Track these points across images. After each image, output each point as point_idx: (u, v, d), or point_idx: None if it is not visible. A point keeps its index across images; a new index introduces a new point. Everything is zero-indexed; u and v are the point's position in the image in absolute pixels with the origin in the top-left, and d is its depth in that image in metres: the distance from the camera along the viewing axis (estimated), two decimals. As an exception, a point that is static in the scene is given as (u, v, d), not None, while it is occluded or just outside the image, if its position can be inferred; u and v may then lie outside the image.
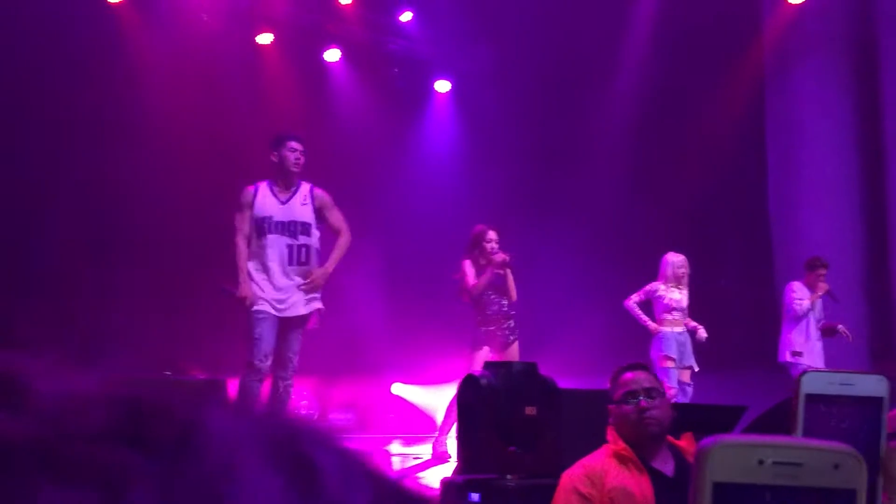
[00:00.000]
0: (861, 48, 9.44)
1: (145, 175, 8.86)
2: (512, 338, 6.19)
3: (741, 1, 9.58)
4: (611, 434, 2.75)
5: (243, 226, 5.25)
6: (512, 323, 6.21)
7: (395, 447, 7.34)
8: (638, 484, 2.60)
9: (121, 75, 8.94)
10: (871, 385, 0.79)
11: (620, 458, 2.65)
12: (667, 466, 2.70)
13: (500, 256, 6.07)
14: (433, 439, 6.32)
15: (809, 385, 0.78)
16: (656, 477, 2.64)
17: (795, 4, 9.23)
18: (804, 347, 7.28)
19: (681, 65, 9.84)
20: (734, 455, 0.61)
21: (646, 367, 2.92)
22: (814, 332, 7.38)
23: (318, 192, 5.37)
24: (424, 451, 6.50)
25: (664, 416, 2.71)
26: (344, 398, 9.75)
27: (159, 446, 0.30)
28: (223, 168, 7.99)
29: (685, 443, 2.80)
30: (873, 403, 0.79)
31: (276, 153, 5.30)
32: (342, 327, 9.19)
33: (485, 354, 6.00)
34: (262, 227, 5.21)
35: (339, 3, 9.94)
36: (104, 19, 8.82)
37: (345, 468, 0.33)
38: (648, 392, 2.71)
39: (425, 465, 5.77)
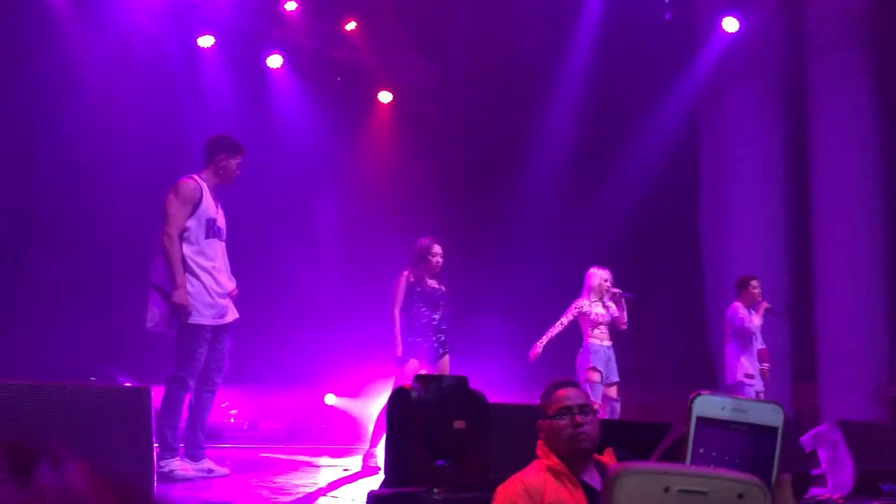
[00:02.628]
0: (791, 80, 9.76)
1: (78, 176, 8.63)
2: (442, 351, 6.13)
3: (680, 28, 9.81)
4: (541, 449, 2.77)
5: (182, 221, 4.87)
6: (442, 337, 6.16)
7: (325, 459, 7.26)
8: (573, 497, 2.64)
9: (57, 73, 8.69)
10: (765, 413, 0.77)
11: (555, 473, 2.67)
12: (595, 481, 2.74)
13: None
14: (363, 451, 6.26)
15: (701, 408, 0.76)
16: (589, 491, 2.68)
17: (730, 34, 9.49)
18: (754, 370, 7.25)
19: (619, 87, 10.04)
20: (640, 482, 0.61)
21: (577, 384, 2.95)
22: (755, 354, 7.32)
23: None
24: (354, 462, 6.45)
25: (596, 432, 2.74)
26: (275, 408, 9.63)
27: None
28: (159, 170, 7.83)
29: (607, 458, 2.84)
30: (767, 432, 0.77)
31: (225, 158, 5.09)
32: (275, 337, 9.09)
33: (413, 366, 5.96)
34: (210, 228, 4.95)
35: (284, 10, 9.87)
36: (40, 17, 8.59)
37: (59, 469, 0.51)
38: (582, 408, 2.74)
39: (354, 478, 5.73)
